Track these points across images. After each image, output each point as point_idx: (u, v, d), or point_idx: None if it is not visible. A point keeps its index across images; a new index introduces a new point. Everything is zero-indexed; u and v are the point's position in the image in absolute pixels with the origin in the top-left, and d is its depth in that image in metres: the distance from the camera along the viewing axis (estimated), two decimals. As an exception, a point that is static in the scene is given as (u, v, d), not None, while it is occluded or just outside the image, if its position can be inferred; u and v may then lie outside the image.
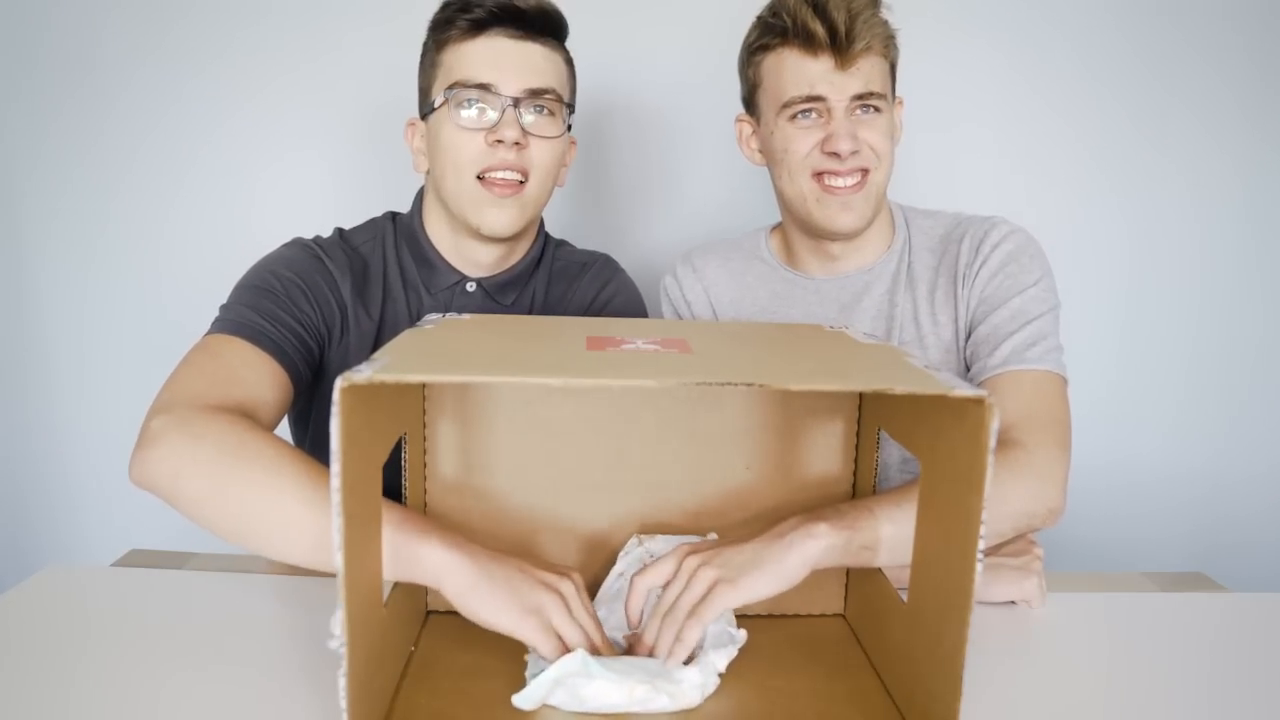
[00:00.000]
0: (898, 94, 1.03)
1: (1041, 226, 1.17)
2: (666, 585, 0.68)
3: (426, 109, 0.97)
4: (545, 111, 0.95)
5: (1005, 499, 0.77)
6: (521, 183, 0.95)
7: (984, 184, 1.51)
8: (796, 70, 0.96)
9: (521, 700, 0.62)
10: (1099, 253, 1.53)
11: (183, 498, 0.70)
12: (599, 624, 0.67)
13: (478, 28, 0.92)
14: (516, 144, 0.92)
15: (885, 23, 0.97)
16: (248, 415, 0.76)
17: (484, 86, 0.91)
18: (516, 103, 0.92)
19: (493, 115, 0.92)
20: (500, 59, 0.92)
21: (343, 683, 0.52)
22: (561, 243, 1.13)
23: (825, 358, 0.68)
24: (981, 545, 0.53)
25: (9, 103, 1.51)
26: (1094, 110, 1.50)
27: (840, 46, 0.93)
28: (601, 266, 1.11)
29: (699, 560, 0.67)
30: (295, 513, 0.66)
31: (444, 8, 0.95)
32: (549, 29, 0.95)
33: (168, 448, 0.70)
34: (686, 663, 0.64)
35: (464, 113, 0.93)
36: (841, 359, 0.68)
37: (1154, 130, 1.50)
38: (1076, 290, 1.46)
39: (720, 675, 0.65)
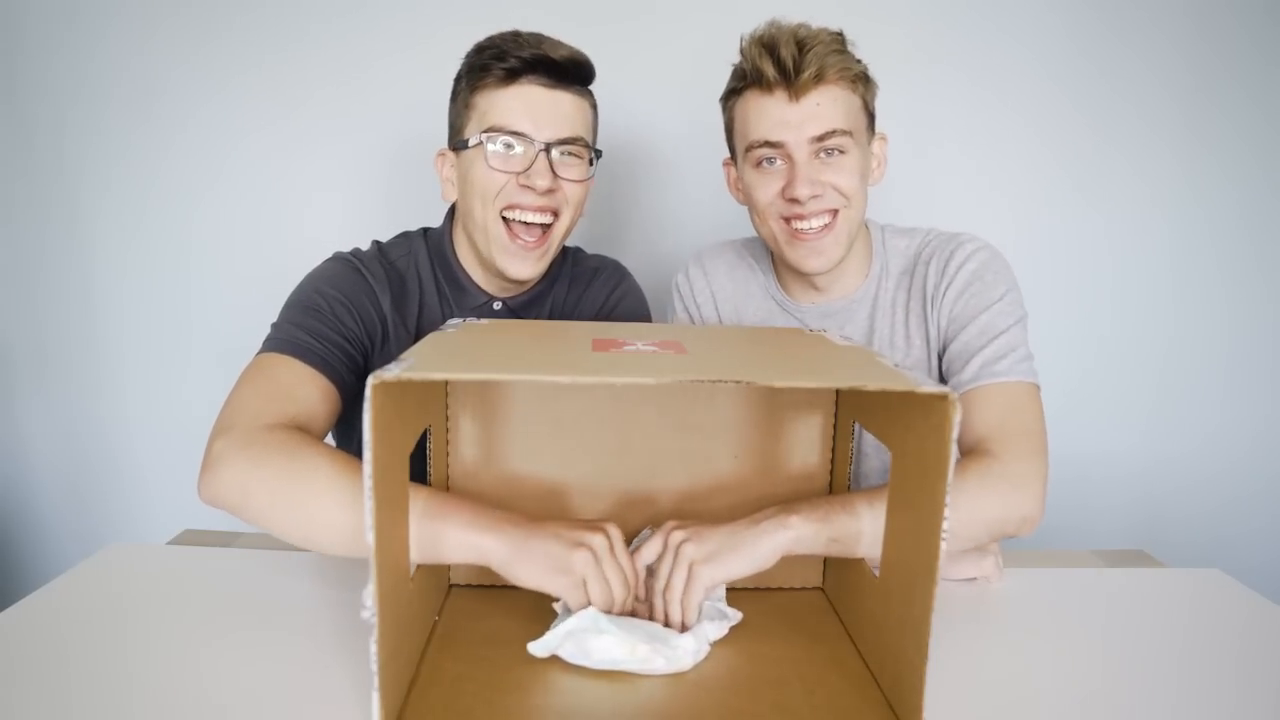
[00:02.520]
0: (879, 130, 0.96)
1: (1017, 234, 1.16)
2: (659, 561, 0.68)
3: (459, 144, 0.93)
4: (573, 155, 0.93)
5: (977, 508, 0.73)
6: (549, 224, 0.93)
7: (964, 201, 1.50)
8: (757, 112, 0.90)
9: (535, 648, 0.62)
10: (1056, 260, 1.52)
11: (248, 512, 0.70)
12: (634, 568, 0.66)
13: (512, 76, 0.88)
14: (549, 190, 0.90)
15: (847, 56, 0.89)
16: (301, 427, 0.75)
17: (517, 134, 0.89)
18: (548, 149, 0.89)
19: (524, 160, 0.89)
20: (532, 108, 0.89)
21: (373, 649, 0.52)
22: (576, 250, 1.10)
23: (806, 358, 0.68)
24: (946, 526, 0.52)
25: (70, 109, 1.49)
26: (1059, 125, 1.49)
27: (789, 79, 0.86)
28: (611, 273, 1.09)
29: (682, 536, 0.68)
30: (338, 515, 0.66)
31: (479, 53, 0.90)
32: (578, 77, 0.92)
33: (230, 471, 0.69)
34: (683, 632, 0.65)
35: (496, 153, 0.89)
36: (820, 359, 0.67)
37: (1107, 136, 1.49)
38: (1046, 294, 1.46)
39: (711, 645, 0.65)
